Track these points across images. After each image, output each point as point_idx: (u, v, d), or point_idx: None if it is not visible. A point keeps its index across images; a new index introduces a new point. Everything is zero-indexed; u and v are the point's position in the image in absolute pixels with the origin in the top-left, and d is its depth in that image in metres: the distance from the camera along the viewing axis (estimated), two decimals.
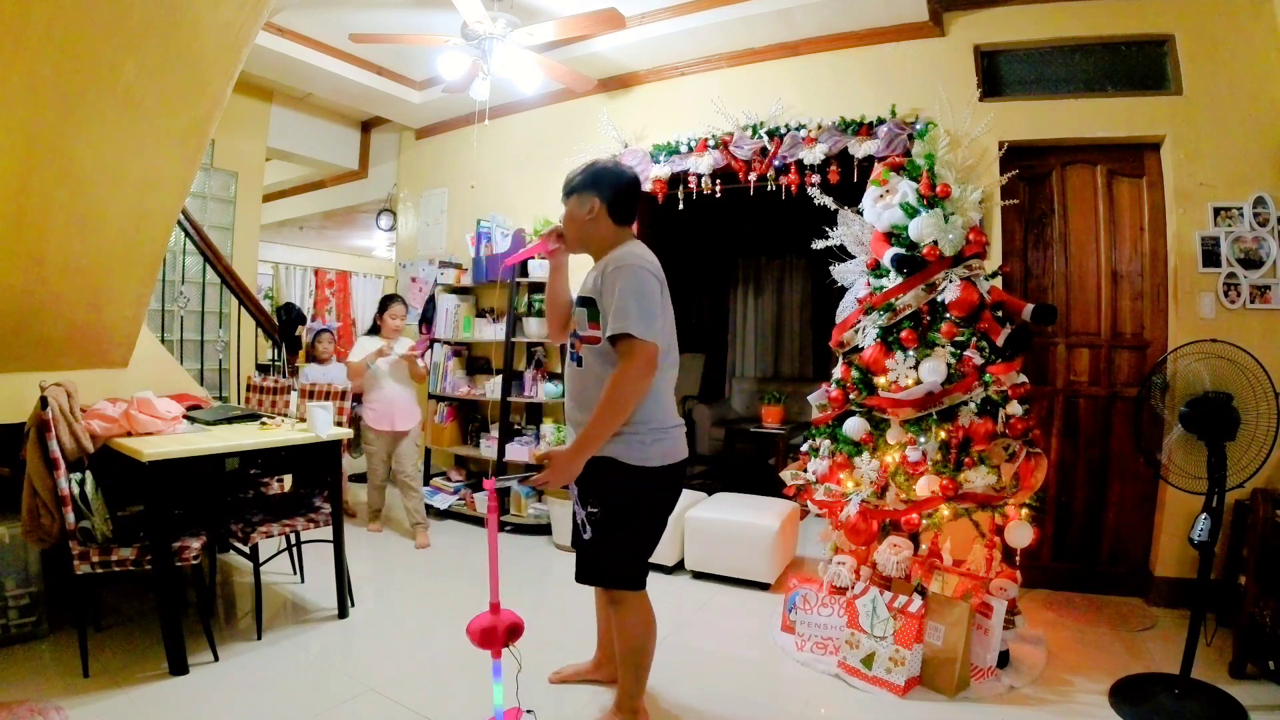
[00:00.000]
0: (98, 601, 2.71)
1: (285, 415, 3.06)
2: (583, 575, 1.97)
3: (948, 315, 2.60)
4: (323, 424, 2.70)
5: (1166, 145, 3.07)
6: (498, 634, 1.79)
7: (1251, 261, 2.93)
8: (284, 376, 3.96)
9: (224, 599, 3.12)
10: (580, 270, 2.00)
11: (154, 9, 1.99)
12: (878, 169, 3.07)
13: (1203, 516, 2.13)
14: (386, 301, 3.98)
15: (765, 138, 3.55)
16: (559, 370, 4.33)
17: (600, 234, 1.98)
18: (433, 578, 3.38)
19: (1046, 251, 3.31)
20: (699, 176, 3.76)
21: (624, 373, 1.78)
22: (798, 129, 3.48)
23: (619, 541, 1.89)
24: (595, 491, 1.87)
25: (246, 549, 2.68)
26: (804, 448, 2.92)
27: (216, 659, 2.42)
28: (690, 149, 3.79)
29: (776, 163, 3.53)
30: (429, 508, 4.51)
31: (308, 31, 3.97)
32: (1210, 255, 2.96)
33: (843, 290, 2.98)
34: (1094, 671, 2.42)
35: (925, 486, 2.47)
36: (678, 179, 3.86)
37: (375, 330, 4.01)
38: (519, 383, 4.32)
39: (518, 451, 4.19)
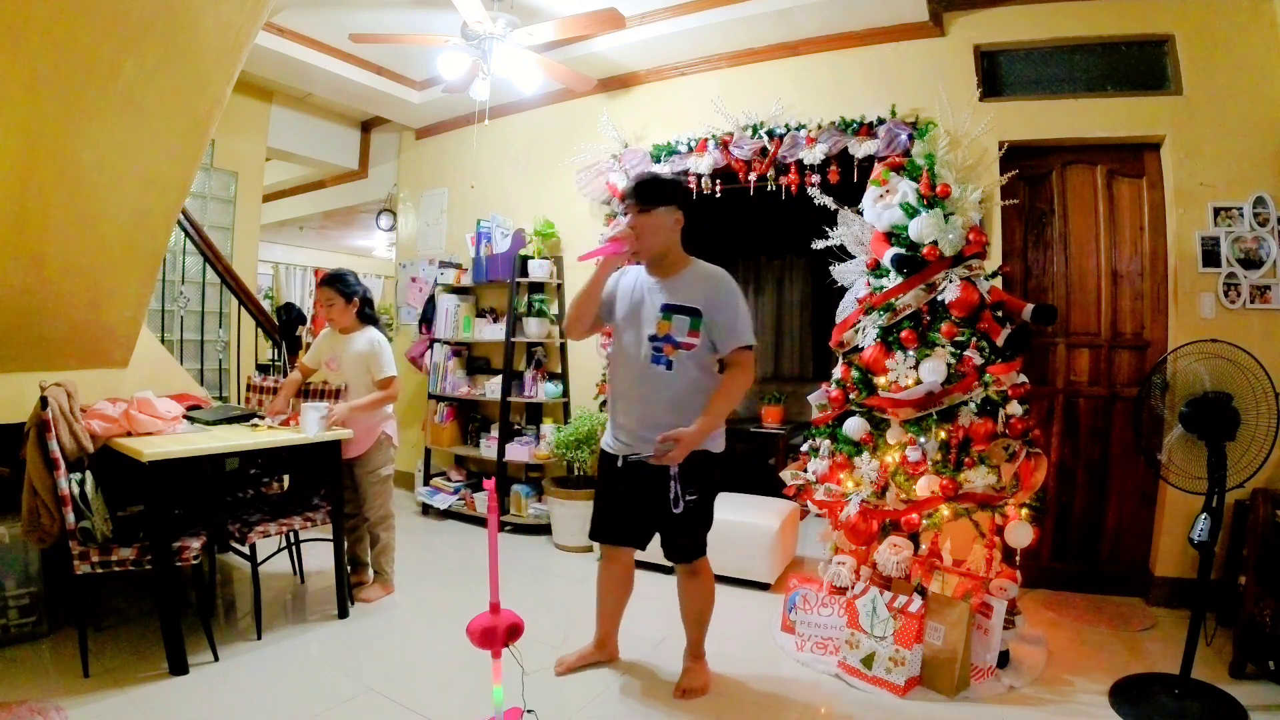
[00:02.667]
0: (98, 601, 2.71)
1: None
2: (687, 554, 2.24)
3: (948, 315, 2.60)
4: (312, 425, 2.66)
5: (1166, 145, 3.07)
6: (498, 634, 1.79)
7: (1251, 261, 2.93)
8: (284, 376, 3.96)
9: (224, 599, 3.12)
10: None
11: (154, 9, 1.99)
12: (878, 169, 3.07)
13: (1203, 516, 2.13)
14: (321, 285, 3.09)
15: (765, 138, 3.55)
16: (558, 370, 4.33)
17: (675, 245, 2.17)
18: (432, 578, 3.38)
19: (1046, 251, 3.31)
20: (699, 176, 3.76)
21: (745, 377, 2.10)
22: (798, 129, 3.48)
23: (707, 518, 2.22)
24: (693, 479, 2.10)
25: (244, 549, 2.68)
26: (804, 448, 2.92)
27: (216, 659, 2.42)
28: (690, 149, 3.79)
29: (776, 163, 3.53)
30: (428, 508, 4.52)
31: (308, 31, 3.97)
32: (1210, 255, 2.96)
33: (843, 290, 2.98)
34: (1094, 671, 2.42)
35: (925, 486, 2.47)
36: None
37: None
38: (519, 383, 4.32)
39: (518, 451, 4.19)
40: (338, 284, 2.98)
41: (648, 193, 2.11)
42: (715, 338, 2.09)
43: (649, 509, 2.16)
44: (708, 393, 2.09)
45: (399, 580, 3.23)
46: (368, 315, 3.08)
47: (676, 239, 2.17)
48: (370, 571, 3.17)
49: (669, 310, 2.09)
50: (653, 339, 2.10)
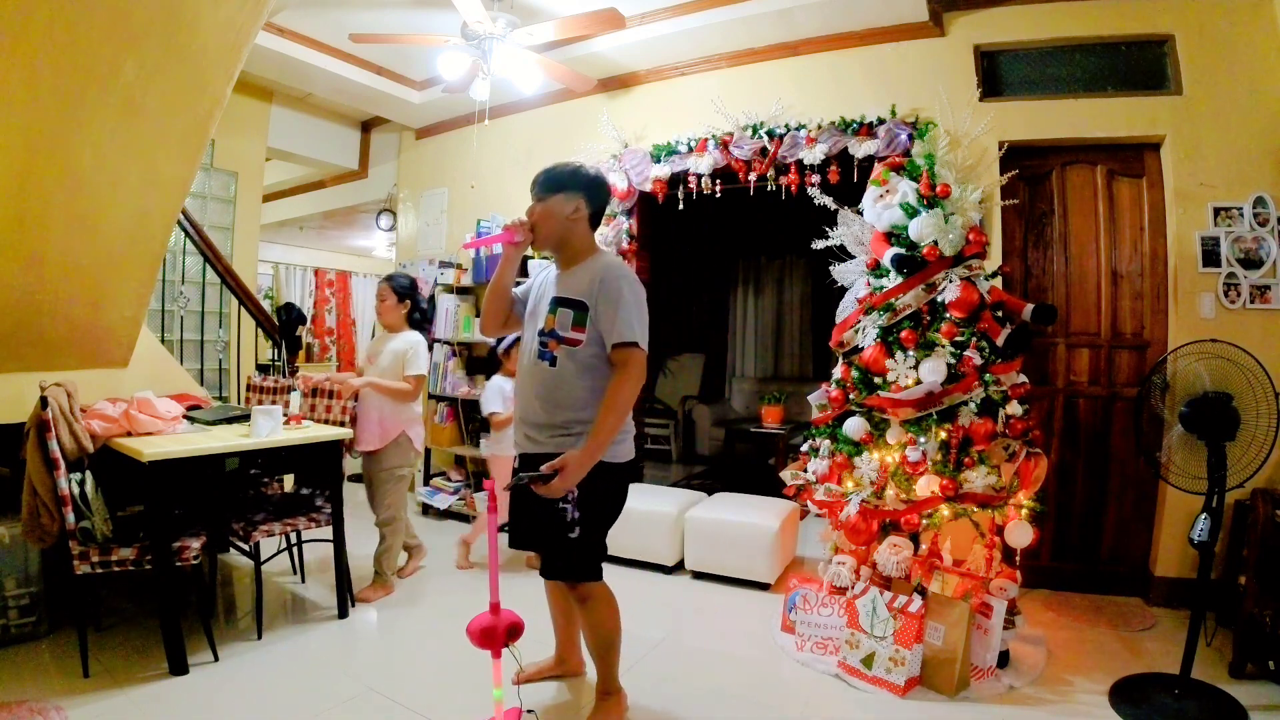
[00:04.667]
0: (98, 601, 2.71)
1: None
2: (562, 572, 2.04)
3: (948, 315, 2.60)
4: (264, 429, 2.58)
5: (1166, 145, 3.07)
6: (498, 634, 1.79)
7: (1251, 261, 2.93)
8: (284, 376, 3.96)
9: (224, 599, 3.12)
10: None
11: (154, 9, 1.99)
12: (878, 169, 3.07)
13: (1203, 516, 2.13)
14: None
15: (765, 138, 3.55)
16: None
17: (577, 236, 2.04)
18: (432, 578, 3.38)
19: (1046, 251, 3.31)
20: (699, 176, 3.76)
21: (628, 379, 1.90)
22: (798, 129, 3.48)
23: (595, 536, 1.98)
24: (582, 491, 1.91)
25: (248, 547, 2.68)
26: (804, 448, 2.91)
27: (216, 659, 2.42)
28: (690, 149, 3.79)
29: (776, 163, 3.53)
30: (428, 508, 4.52)
31: (308, 31, 3.97)
32: (1210, 255, 2.96)
33: (843, 290, 2.98)
34: (1094, 671, 2.42)
35: (925, 486, 2.47)
36: (678, 179, 3.86)
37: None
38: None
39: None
40: (393, 281, 3.20)
41: (546, 179, 2.03)
42: (601, 332, 1.93)
43: (535, 518, 1.96)
44: (588, 392, 1.94)
45: (399, 581, 3.23)
46: (417, 321, 3.26)
47: (578, 229, 2.03)
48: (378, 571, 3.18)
49: (555, 303, 1.98)
50: (540, 334, 1.99)
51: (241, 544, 2.68)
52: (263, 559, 2.72)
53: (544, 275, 2.14)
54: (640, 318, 1.93)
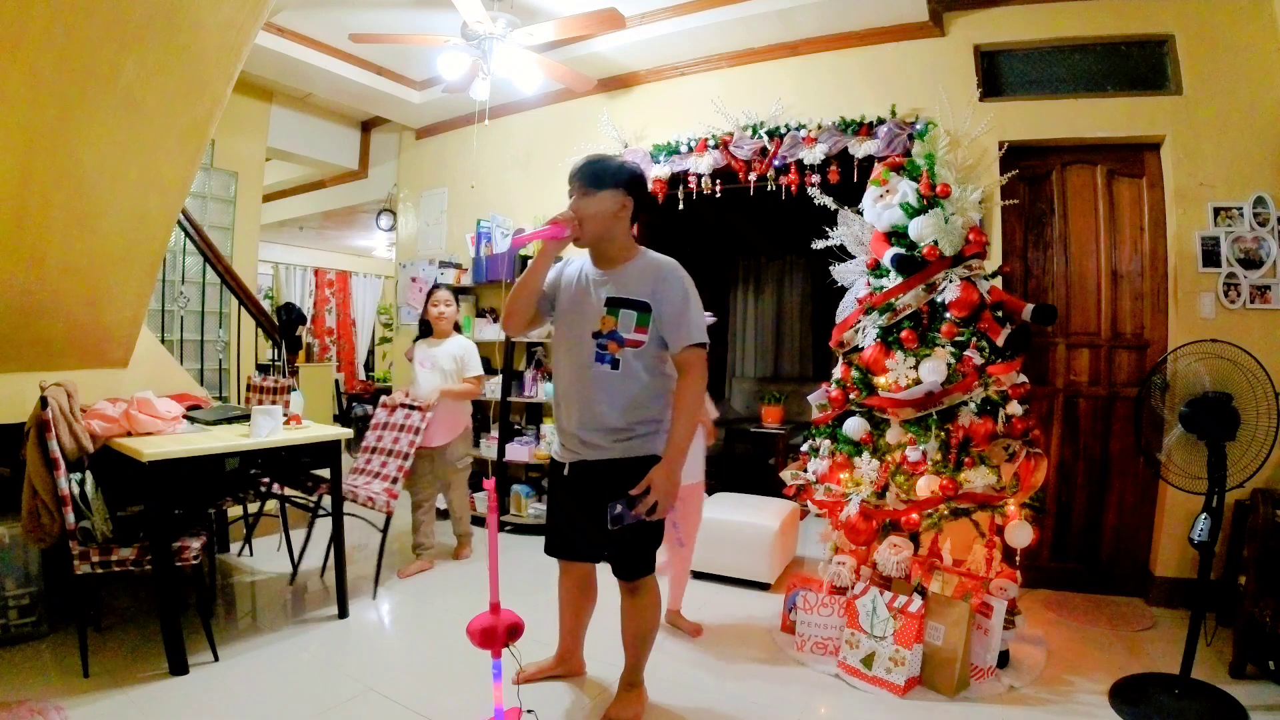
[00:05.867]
0: (98, 601, 2.71)
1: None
2: (631, 571, 2.01)
3: (948, 315, 2.60)
4: (264, 429, 2.60)
5: (1166, 145, 3.07)
6: (498, 634, 1.79)
7: (1251, 261, 2.93)
8: (284, 376, 3.96)
9: (224, 599, 3.12)
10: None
11: (154, 9, 1.99)
12: (878, 169, 3.07)
13: (1203, 516, 2.13)
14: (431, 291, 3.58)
15: (765, 138, 3.55)
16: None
17: (621, 233, 1.99)
18: (433, 577, 3.38)
19: (1046, 251, 3.31)
20: (699, 176, 3.76)
21: (699, 380, 1.91)
22: (798, 129, 3.48)
23: (656, 533, 2.00)
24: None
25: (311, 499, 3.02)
26: (804, 448, 2.91)
27: (216, 659, 2.42)
28: (690, 149, 3.79)
29: (776, 163, 3.53)
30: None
31: (308, 31, 3.97)
32: (1210, 255, 2.96)
33: (843, 290, 2.98)
34: (1094, 671, 2.42)
35: (925, 486, 2.47)
36: (678, 179, 3.86)
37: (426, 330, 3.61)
38: (519, 383, 4.32)
39: (517, 451, 4.19)
40: (456, 292, 3.60)
41: (592, 174, 1.95)
42: (664, 333, 1.91)
43: (598, 520, 1.93)
44: (657, 394, 1.94)
45: (399, 579, 3.23)
46: (457, 325, 3.68)
47: (623, 227, 1.98)
48: (421, 548, 3.48)
49: (615, 304, 1.91)
50: (596, 335, 1.93)
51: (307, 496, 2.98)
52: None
53: (576, 272, 2.06)
54: (702, 317, 1.93)
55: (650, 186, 3.88)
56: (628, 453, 1.93)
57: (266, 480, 3.14)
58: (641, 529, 1.91)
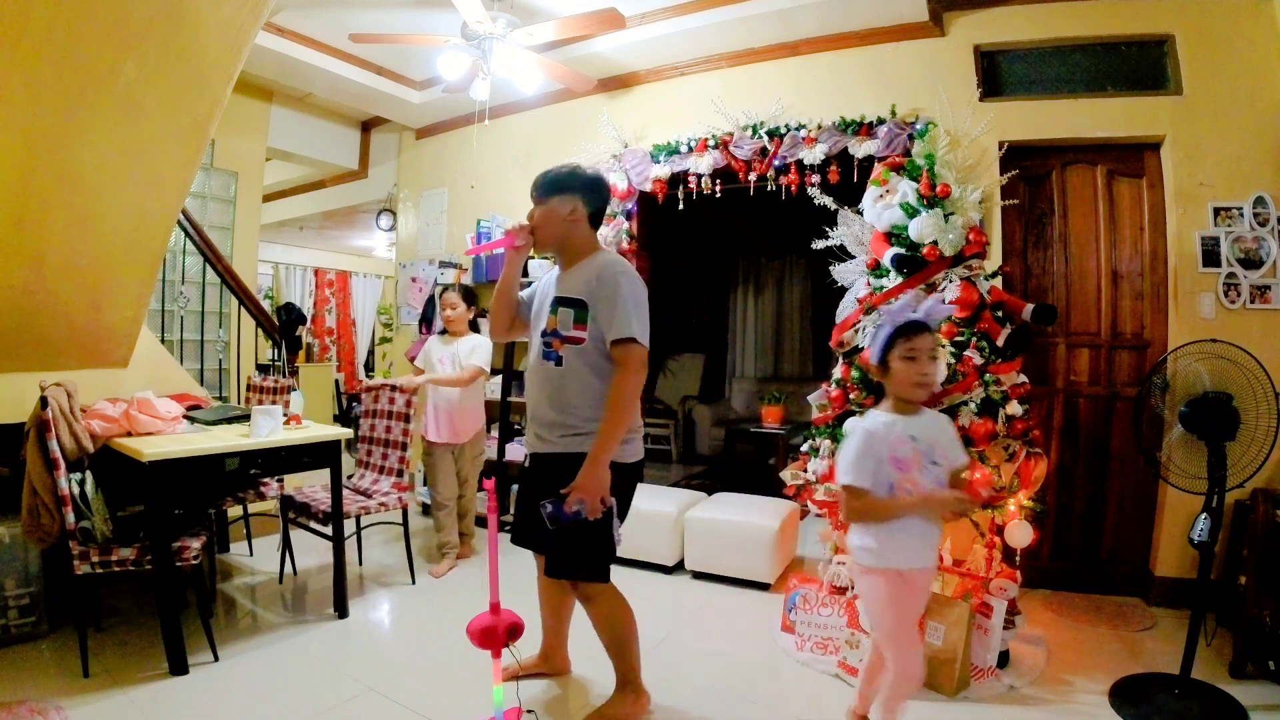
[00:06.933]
0: (98, 601, 2.71)
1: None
2: (567, 573, 2.02)
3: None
4: (264, 429, 2.61)
5: (1166, 145, 3.07)
6: (498, 634, 1.79)
7: (1251, 261, 2.93)
8: (284, 376, 3.96)
9: (224, 599, 3.12)
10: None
11: (154, 9, 1.99)
12: (878, 169, 3.07)
13: (1203, 516, 2.13)
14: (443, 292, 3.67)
15: (765, 138, 3.55)
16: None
17: (577, 237, 2.05)
18: (432, 577, 3.38)
19: (1046, 251, 3.31)
20: (699, 176, 3.76)
21: (629, 376, 1.89)
22: (798, 129, 3.48)
23: (601, 536, 1.93)
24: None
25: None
26: (804, 448, 2.91)
27: (216, 659, 2.42)
28: (690, 149, 3.79)
29: (776, 163, 3.53)
30: (426, 507, 4.52)
31: (308, 31, 3.97)
32: (1210, 255, 2.96)
33: (843, 290, 2.98)
34: (1094, 671, 2.42)
35: None
36: (678, 179, 3.86)
37: (440, 330, 3.70)
38: (519, 383, 4.31)
39: (518, 451, 4.19)
40: (464, 290, 3.59)
41: (545, 183, 2.05)
42: (601, 330, 1.93)
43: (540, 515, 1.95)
44: (597, 391, 1.94)
45: (398, 580, 3.23)
46: (475, 325, 3.65)
47: (580, 230, 2.05)
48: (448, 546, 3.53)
49: (556, 303, 1.99)
50: (544, 334, 2.01)
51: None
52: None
53: (548, 277, 2.15)
54: (639, 314, 1.92)
55: (650, 186, 3.88)
56: (567, 448, 1.94)
57: (266, 481, 3.15)
58: (577, 529, 1.88)
